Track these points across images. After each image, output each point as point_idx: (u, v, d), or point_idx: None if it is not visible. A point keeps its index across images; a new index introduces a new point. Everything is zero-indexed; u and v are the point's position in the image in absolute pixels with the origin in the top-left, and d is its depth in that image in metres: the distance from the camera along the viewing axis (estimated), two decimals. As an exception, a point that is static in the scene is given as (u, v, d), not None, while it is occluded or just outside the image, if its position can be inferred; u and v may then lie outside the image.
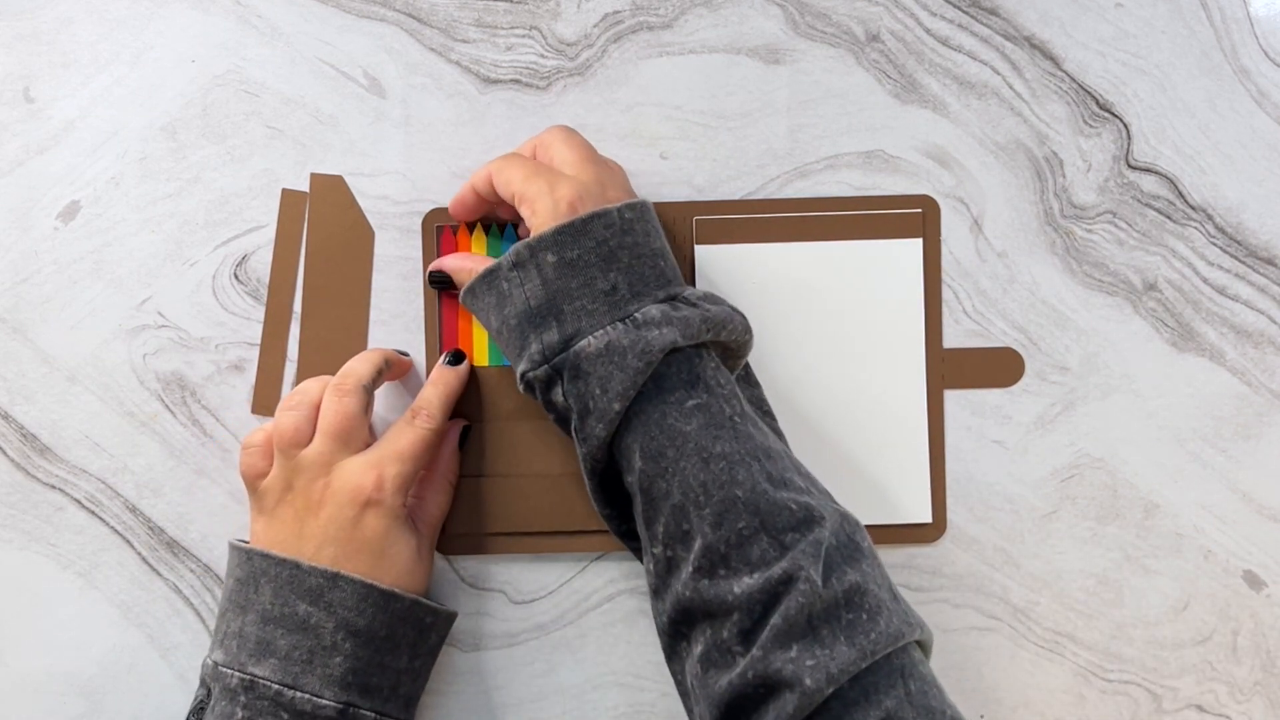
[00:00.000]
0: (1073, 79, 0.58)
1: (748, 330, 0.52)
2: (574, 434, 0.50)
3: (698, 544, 0.46)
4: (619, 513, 0.52)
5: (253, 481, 0.53)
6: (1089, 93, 0.58)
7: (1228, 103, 0.58)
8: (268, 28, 0.59)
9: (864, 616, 0.44)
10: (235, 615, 0.51)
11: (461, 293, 0.53)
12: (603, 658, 0.58)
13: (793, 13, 0.58)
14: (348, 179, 0.59)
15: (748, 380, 0.55)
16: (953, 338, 0.58)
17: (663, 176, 0.58)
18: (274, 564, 0.51)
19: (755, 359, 0.57)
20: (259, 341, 0.58)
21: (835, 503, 0.49)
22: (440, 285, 0.56)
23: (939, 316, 0.58)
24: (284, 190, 0.59)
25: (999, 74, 0.58)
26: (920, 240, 0.58)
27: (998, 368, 0.58)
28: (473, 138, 0.58)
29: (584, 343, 0.48)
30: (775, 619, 0.44)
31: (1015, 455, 0.58)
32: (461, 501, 0.58)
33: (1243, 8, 0.58)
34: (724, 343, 0.51)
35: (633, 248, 0.49)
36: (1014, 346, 0.58)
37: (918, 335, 0.58)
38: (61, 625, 0.58)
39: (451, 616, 0.55)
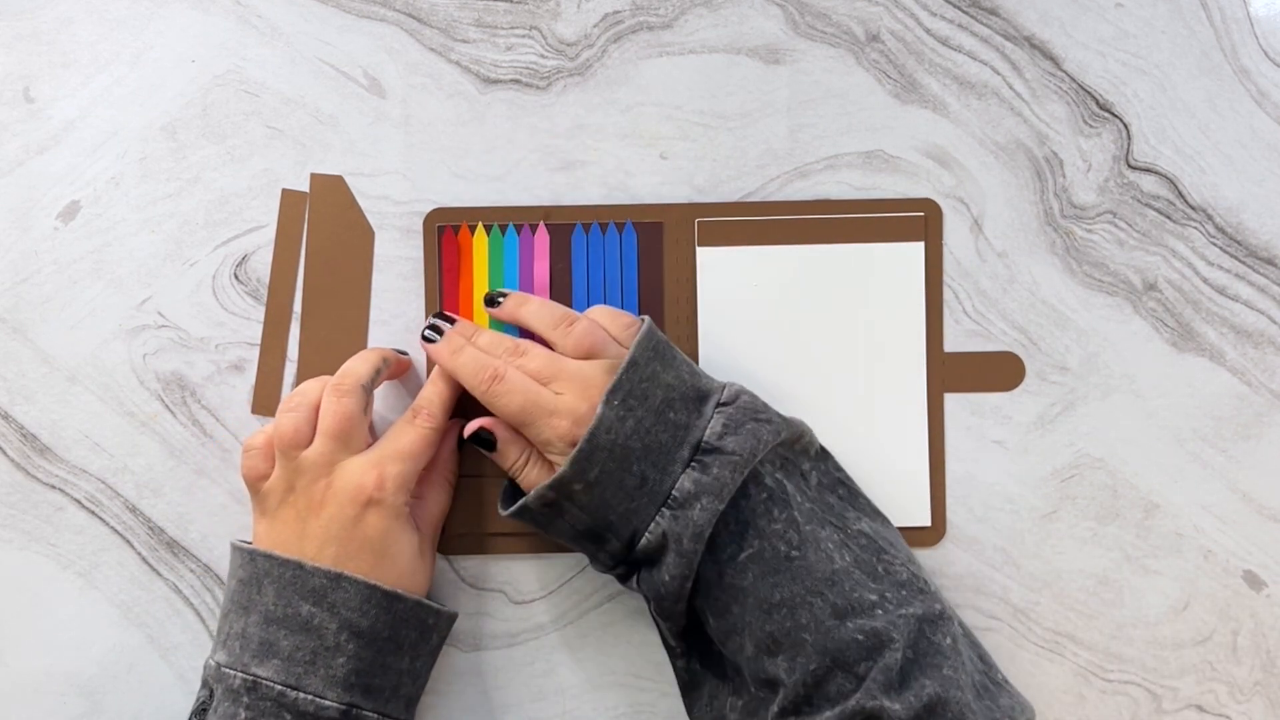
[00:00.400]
0: (1073, 79, 0.58)
1: (786, 428, 0.52)
2: (652, 615, 0.52)
3: (779, 690, 0.49)
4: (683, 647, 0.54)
5: (255, 483, 0.53)
6: (1089, 93, 0.58)
7: (1228, 103, 0.58)
8: (268, 28, 0.58)
9: None
10: (238, 616, 0.51)
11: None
12: (603, 658, 0.58)
13: (793, 13, 0.58)
14: (348, 179, 0.58)
15: (823, 456, 0.55)
16: (952, 337, 0.58)
17: (663, 176, 0.58)
18: (277, 564, 0.51)
19: (757, 362, 0.57)
20: (259, 342, 0.58)
21: (919, 594, 0.50)
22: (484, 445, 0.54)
23: (940, 321, 0.58)
24: (284, 190, 0.58)
25: (999, 74, 0.58)
26: (922, 244, 0.58)
27: (998, 372, 0.58)
28: (473, 138, 0.58)
29: (643, 543, 0.50)
30: None
31: (1015, 455, 0.58)
32: (461, 501, 0.58)
33: (1243, 8, 0.58)
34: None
35: (637, 430, 0.50)
36: (1014, 347, 0.58)
37: (919, 339, 0.58)
38: (61, 625, 0.58)
39: (453, 617, 0.55)
